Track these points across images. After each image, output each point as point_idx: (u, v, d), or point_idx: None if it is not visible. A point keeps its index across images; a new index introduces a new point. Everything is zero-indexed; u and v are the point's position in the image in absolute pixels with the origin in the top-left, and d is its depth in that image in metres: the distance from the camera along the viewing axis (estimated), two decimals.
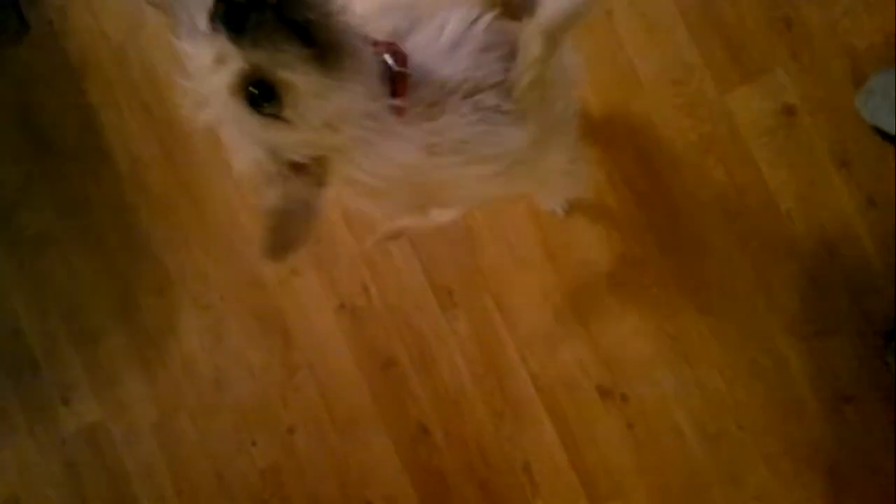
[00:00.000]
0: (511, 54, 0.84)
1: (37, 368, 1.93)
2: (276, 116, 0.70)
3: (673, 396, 1.50)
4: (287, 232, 0.80)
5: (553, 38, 0.82)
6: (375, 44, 0.79)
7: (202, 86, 0.73)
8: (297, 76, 0.68)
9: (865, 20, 1.34)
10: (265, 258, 0.80)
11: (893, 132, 1.29)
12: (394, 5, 0.87)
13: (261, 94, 0.69)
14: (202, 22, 0.67)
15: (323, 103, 0.71)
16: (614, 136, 1.49)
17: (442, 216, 1.19)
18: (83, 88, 1.85)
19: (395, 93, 0.78)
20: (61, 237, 1.90)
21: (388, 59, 0.79)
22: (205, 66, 0.71)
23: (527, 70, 0.83)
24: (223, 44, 0.66)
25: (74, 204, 1.89)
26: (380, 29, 0.83)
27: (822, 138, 1.38)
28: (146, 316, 1.86)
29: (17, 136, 1.92)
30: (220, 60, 0.69)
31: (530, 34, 0.82)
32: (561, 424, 1.58)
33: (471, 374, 1.63)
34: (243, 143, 0.78)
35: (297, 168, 0.78)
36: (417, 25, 0.85)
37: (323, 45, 0.68)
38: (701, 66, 1.43)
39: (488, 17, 0.84)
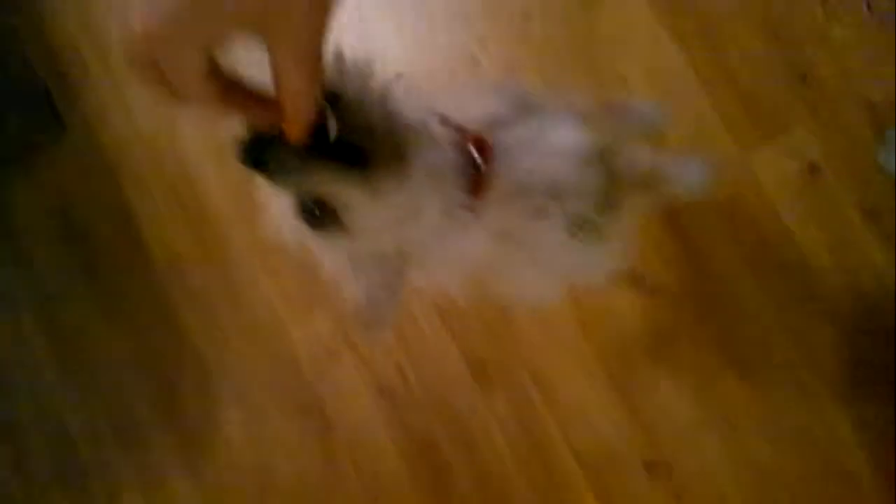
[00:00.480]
0: (607, 170, 0.84)
1: (84, 473, 1.94)
2: (339, 227, 0.68)
3: (720, 467, 1.45)
4: (376, 313, 0.80)
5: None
6: (462, 132, 0.76)
7: (273, 210, 0.74)
8: (344, 192, 0.65)
9: (880, 73, 1.34)
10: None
11: None
12: (503, 90, 0.86)
13: (319, 211, 0.67)
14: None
15: (381, 207, 0.67)
16: None
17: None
18: (119, 185, 1.92)
19: (474, 188, 0.74)
20: (103, 335, 1.95)
21: (474, 152, 0.75)
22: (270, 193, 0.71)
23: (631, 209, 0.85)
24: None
25: (113, 297, 1.94)
26: (477, 113, 0.81)
27: (848, 193, 1.36)
28: (189, 410, 1.87)
29: (57, 231, 1.99)
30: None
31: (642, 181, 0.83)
32: (606, 500, 1.53)
33: (512, 453, 1.61)
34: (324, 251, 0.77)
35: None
36: (523, 118, 0.83)
37: (371, 156, 0.64)
38: (721, 128, 1.43)
39: (599, 134, 0.83)
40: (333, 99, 0.59)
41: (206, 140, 1.83)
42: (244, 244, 1.82)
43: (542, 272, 0.87)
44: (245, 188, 1.61)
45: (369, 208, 0.67)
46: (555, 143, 0.81)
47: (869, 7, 1.34)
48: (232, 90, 0.46)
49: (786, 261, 1.41)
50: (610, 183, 0.85)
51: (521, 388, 1.60)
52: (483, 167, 0.75)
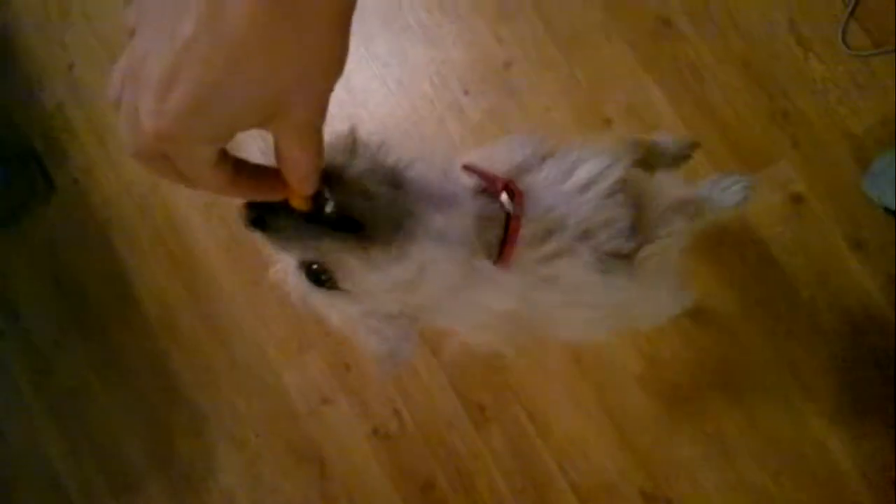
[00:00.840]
0: (634, 201, 0.83)
1: None
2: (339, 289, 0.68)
3: (718, 496, 1.45)
4: (392, 361, 0.79)
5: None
6: (491, 179, 0.75)
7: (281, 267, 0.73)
8: (341, 259, 0.65)
9: (861, 105, 1.35)
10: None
11: None
12: (525, 139, 0.85)
13: (322, 274, 0.67)
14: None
15: (381, 275, 0.66)
16: None
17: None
18: (110, 241, 1.90)
19: (509, 235, 0.73)
20: (95, 385, 1.92)
21: (505, 198, 0.74)
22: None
23: (664, 237, 0.83)
24: None
25: (107, 352, 1.92)
26: (503, 162, 0.80)
27: (834, 223, 1.37)
28: (183, 458, 1.85)
29: (49, 289, 1.98)
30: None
31: (678, 207, 0.83)
32: None
33: (510, 489, 1.60)
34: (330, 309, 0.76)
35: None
36: (547, 162, 0.83)
37: (370, 226, 0.64)
38: (704, 164, 1.45)
39: (623, 165, 0.82)
40: (336, 172, 0.59)
41: (193, 192, 1.82)
42: (234, 292, 1.80)
43: (584, 311, 0.86)
44: (234, 239, 1.62)
45: (367, 275, 0.66)
46: (580, 180, 0.81)
47: (846, 43, 1.37)
48: (239, 172, 0.47)
49: (775, 290, 1.42)
50: (639, 214, 0.83)
51: (517, 425, 1.59)
52: (516, 211, 0.74)
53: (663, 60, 1.46)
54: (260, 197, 0.51)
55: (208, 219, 1.79)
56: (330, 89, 0.42)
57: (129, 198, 1.89)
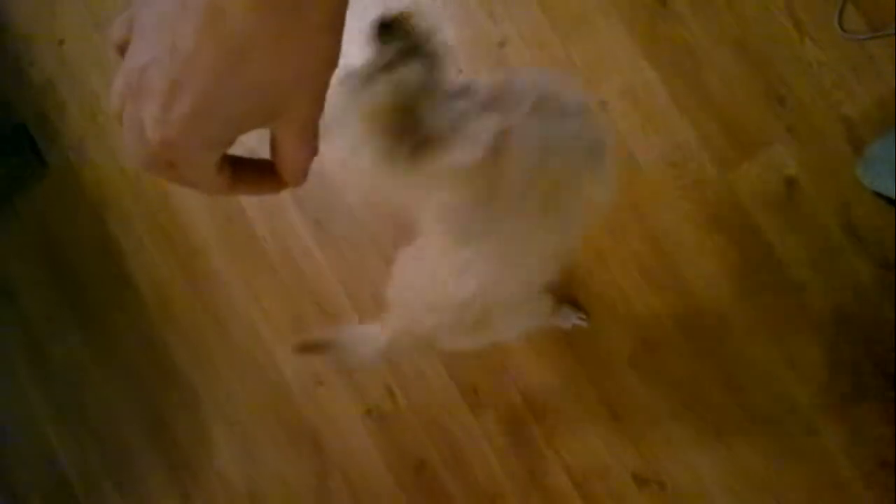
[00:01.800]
0: None
1: (74, 497, 1.93)
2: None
3: (710, 478, 1.46)
4: None
5: None
6: None
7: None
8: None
9: (856, 89, 1.34)
10: None
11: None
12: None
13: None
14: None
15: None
16: (620, 225, 1.49)
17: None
18: (103, 219, 1.89)
19: None
20: (90, 365, 1.92)
21: None
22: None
23: None
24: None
25: (101, 332, 1.91)
26: None
27: (827, 207, 1.36)
28: (178, 436, 1.85)
29: (43, 269, 1.96)
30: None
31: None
32: None
33: (504, 470, 1.60)
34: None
35: None
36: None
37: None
38: (699, 147, 1.44)
39: None
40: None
41: None
42: (228, 271, 1.80)
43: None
44: (228, 218, 1.60)
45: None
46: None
47: (842, 26, 1.35)
48: (239, 172, 0.48)
49: (768, 275, 1.41)
50: None
51: (511, 408, 1.59)
52: None
53: (660, 42, 1.44)
54: (258, 194, 0.52)
55: (202, 197, 1.77)
56: (328, 85, 0.43)
57: (123, 176, 1.87)
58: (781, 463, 1.41)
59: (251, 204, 1.73)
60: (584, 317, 1.52)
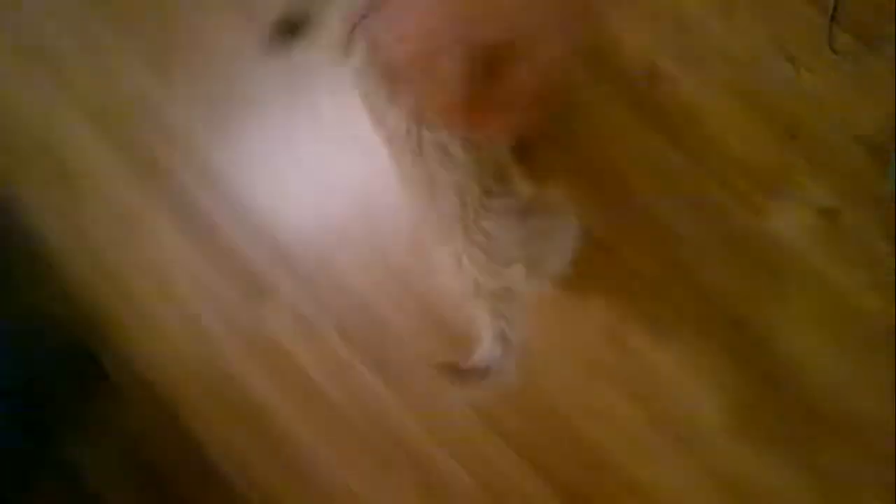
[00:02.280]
0: None
1: None
2: None
3: None
4: None
5: None
6: None
7: None
8: None
9: (863, 105, 1.34)
10: None
11: None
12: None
13: None
14: None
15: None
16: (667, 287, 1.48)
17: None
18: (177, 415, 1.91)
19: None
20: None
21: None
22: None
23: None
24: None
25: None
26: None
27: (871, 227, 1.35)
28: None
29: (131, 482, 1.97)
30: None
31: None
32: None
33: None
34: None
35: None
36: None
37: None
38: (727, 200, 1.43)
39: None
40: None
41: (248, 347, 1.83)
42: (302, 433, 1.81)
43: None
44: (294, 378, 1.62)
45: None
46: None
47: (833, 49, 1.35)
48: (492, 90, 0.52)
49: (835, 308, 1.39)
50: None
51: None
52: None
53: (659, 110, 1.45)
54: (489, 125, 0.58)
55: (262, 363, 1.79)
56: (571, 46, 0.49)
57: (183, 367, 1.90)
58: None
59: (316, 370, 1.74)
60: None
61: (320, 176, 1.69)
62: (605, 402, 1.53)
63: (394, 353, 1.65)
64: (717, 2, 1.45)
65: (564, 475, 1.57)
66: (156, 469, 1.92)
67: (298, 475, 1.78)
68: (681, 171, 1.45)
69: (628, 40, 1.49)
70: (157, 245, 1.81)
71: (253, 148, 1.74)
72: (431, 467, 1.66)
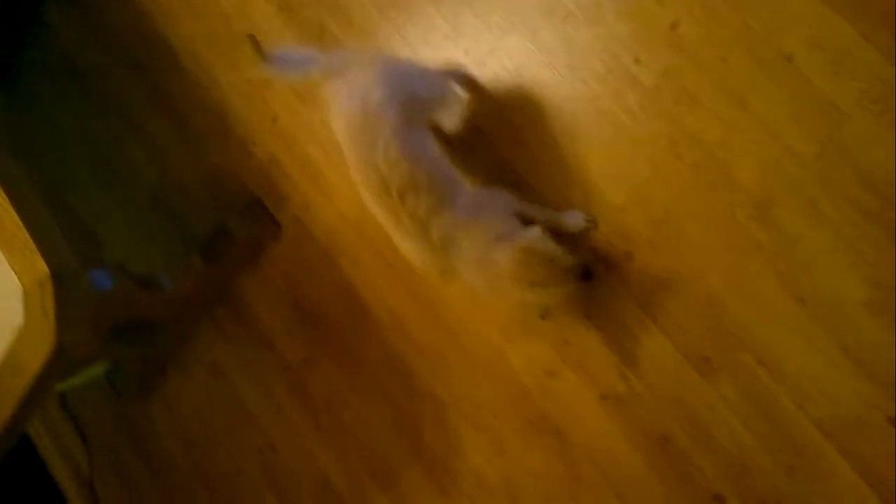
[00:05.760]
0: None
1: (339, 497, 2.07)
2: None
3: None
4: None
5: None
6: None
7: None
8: None
9: None
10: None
11: None
12: None
13: None
14: None
15: None
16: (830, 172, 1.42)
17: None
18: (337, 264, 2.03)
19: None
20: (347, 394, 2.06)
21: None
22: None
23: None
24: None
25: (352, 362, 2.05)
26: None
27: None
28: (433, 446, 1.94)
29: (293, 317, 2.14)
30: None
31: None
32: (859, 464, 1.46)
33: (751, 434, 1.55)
34: None
35: None
36: None
37: None
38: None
39: None
40: None
41: None
42: (451, 289, 1.88)
43: None
44: None
45: None
46: None
47: None
48: None
49: None
50: None
51: (745, 371, 1.54)
52: None
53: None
54: None
55: None
56: None
57: (345, 223, 2.01)
58: None
59: None
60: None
61: None
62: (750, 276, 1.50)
63: None
64: None
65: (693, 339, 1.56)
66: (315, 309, 2.06)
67: (441, 323, 1.85)
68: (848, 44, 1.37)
69: None
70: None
71: None
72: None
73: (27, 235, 1.42)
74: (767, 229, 1.49)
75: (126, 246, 2.29)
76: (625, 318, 1.64)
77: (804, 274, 1.47)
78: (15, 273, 1.41)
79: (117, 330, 1.73)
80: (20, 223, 1.42)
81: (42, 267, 1.39)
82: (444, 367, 1.89)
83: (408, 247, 1.47)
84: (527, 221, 1.46)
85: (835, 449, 1.47)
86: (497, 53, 1.74)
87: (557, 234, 1.39)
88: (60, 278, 1.40)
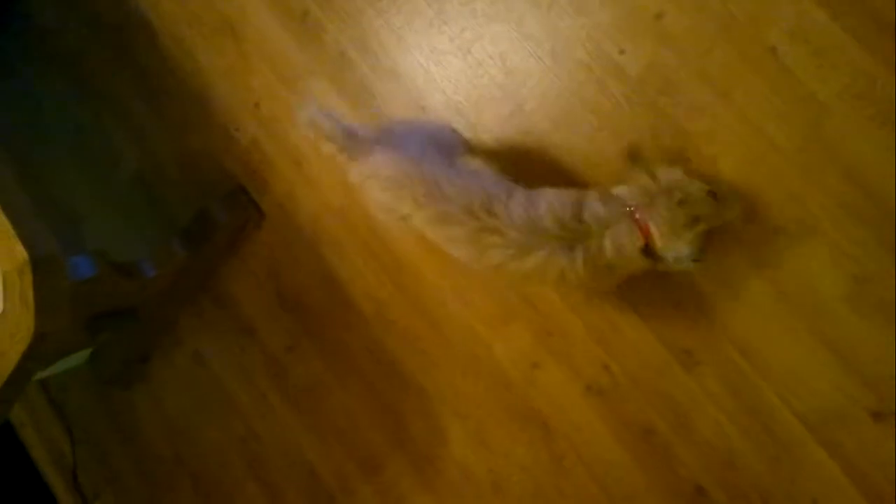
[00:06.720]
0: None
1: (327, 491, 2.10)
2: None
3: None
4: None
5: None
6: None
7: None
8: None
9: None
10: None
11: None
12: None
13: None
14: None
15: None
16: (812, 165, 1.44)
17: None
18: (320, 254, 2.05)
19: None
20: (331, 383, 2.08)
21: None
22: None
23: None
24: None
25: (335, 351, 2.07)
26: None
27: None
28: (416, 436, 1.97)
29: (275, 304, 2.16)
30: None
31: None
32: (841, 457, 1.49)
33: (734, 426, 1.59)
34: None
35: None
36: None
37: None
38: (886, 72, 1.37)
39: None
40: None
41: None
42: (435, 278, 1.90)
43: None
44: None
45: None
46: None
47: None
48: None
49: None
50: None
51: (728, 363, 1.57)
52: None
53: None
54: None
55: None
56: None
57: (330, 211, 2.02)
58: None
59: None
60: None
61: None
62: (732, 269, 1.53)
63: None
64: None
65: (675, 332, 1.59)
66: (299, 298, 2.08)
67: (426, 314, 1.87)
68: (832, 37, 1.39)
69: None
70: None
71: None
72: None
73: (6, 222, 1.42)
74: (749, 221, 1.51)
75: (107, 233, 2.29)
76: (608, 310, 1.67)
77: (786, 267, 1.49)
78: None
79: (98, 317, 1.75)
80: None
81: (22, 254, 1.39)
82: (429, 357, 1.91)
83: (530, 263, 1.37)
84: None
85: (817, 442, 1.50)
86: (482, 41, 1.75)
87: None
88: (40, 265, 1.40)
